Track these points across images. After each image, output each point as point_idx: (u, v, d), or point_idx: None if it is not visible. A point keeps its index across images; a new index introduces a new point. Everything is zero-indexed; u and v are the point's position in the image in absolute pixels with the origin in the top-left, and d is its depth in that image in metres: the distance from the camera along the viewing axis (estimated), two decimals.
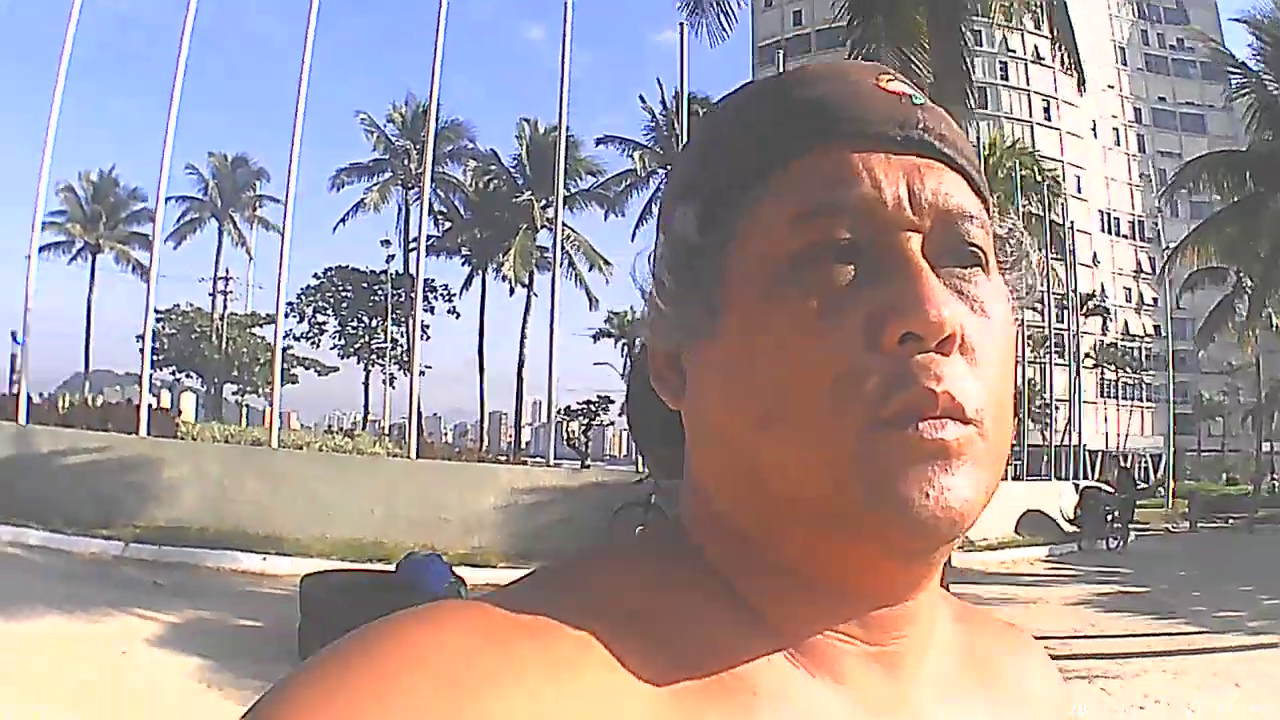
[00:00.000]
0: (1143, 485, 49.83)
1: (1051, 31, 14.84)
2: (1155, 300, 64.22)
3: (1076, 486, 26.66)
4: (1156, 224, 74.72)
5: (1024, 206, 40.70)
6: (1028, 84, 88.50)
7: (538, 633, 0.57)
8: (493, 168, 49.43)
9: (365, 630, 0.56)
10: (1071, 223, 46.10)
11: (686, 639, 0.61)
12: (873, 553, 0.62)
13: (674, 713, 0.57)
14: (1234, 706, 8.65)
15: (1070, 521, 24.84)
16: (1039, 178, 42.44)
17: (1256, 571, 19.30)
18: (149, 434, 17.28)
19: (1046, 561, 21.41)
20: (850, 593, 0.65)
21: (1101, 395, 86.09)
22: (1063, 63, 15.24)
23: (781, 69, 0.76)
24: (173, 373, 56.65)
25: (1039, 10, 14.30)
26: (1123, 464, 29.55)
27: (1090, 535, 23.97)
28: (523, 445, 50.69)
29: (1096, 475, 27.59)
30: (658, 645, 0.59)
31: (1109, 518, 24.41)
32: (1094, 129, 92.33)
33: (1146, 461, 58.76)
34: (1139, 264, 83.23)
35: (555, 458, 19.74)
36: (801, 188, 0.64)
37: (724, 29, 13.77)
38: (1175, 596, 15.91)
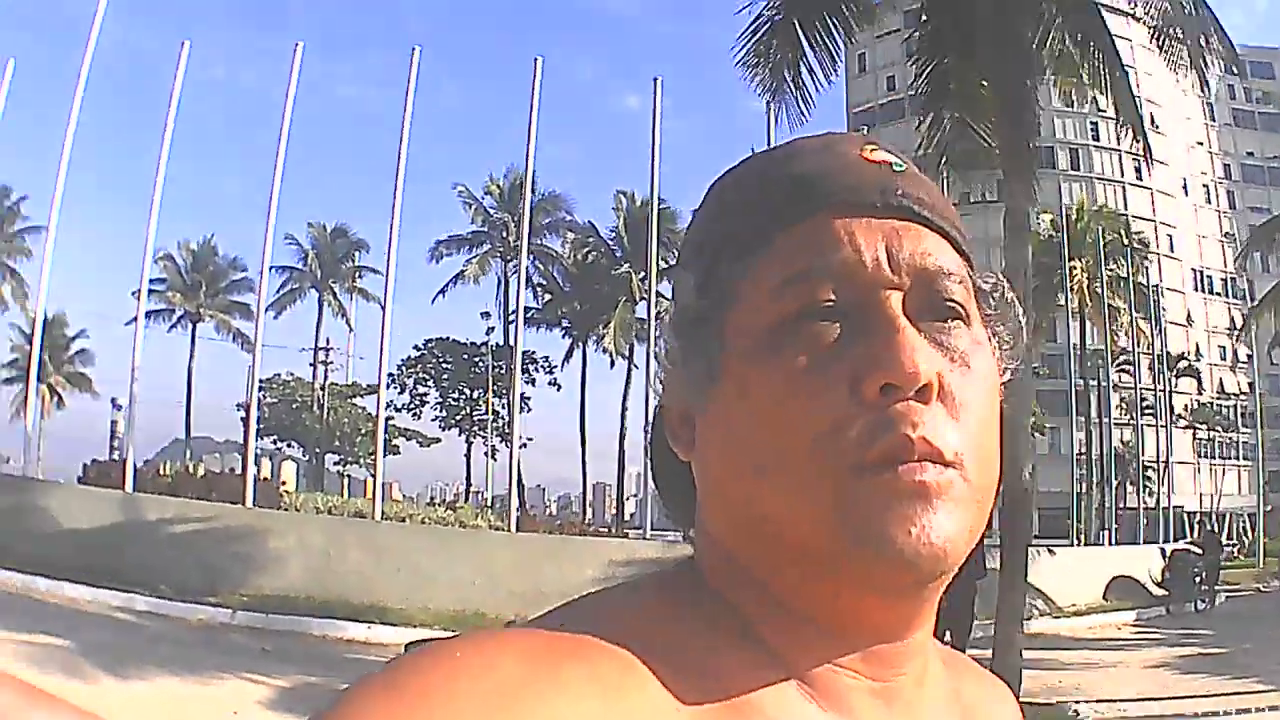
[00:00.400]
0: (1229, 544, 48.82)
1: (1115, 108, 15.17)
2: (1250, 357, 63.02)
3: (1163, 550, 26.47)
4: (1249, 280, 73.48)
5: (1110, 270, 40.84)
6: (1118, 144, 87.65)
7: (583, 656, 0.61)
8: (590, 240, 49.76)
9: (423, 650, 0.61)
10: (1157, 285, 45.65)
11: (710, 671, 0.66)
12: (861, 589, 0.67)
13: None
14: None
15: (1159, 585, 24.72)
16: (1125, 240, 42.33)
17: None
18: (254, 504, 17.69)
19: (1134, 626, 21.41)
20: (850, 630, 0.69)
21: (1198, 455, 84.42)
22: (1133, 134, 15.52)
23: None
24: (274, 441, 56.87)
25: (1104, 84, 14.60)
26: (1209, 525, 29.10)
27: (1178, 599, 23.79)
28: (626, 516, 50.72)
29: (1189, 537, 27.18)
30: (686, 674, 0.64)
31: (1196, 580, 24.26)
32: (1185, 187, 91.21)
33: (1244, 521, 57.46)
34: (1233, 321, 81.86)
35: (654, 528, 19.94)
36: (789, 254, 0.70)
37: (803, 113, 14.27)
38: (1255, 656, 15.80)
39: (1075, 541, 31.99)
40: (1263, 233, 27.27)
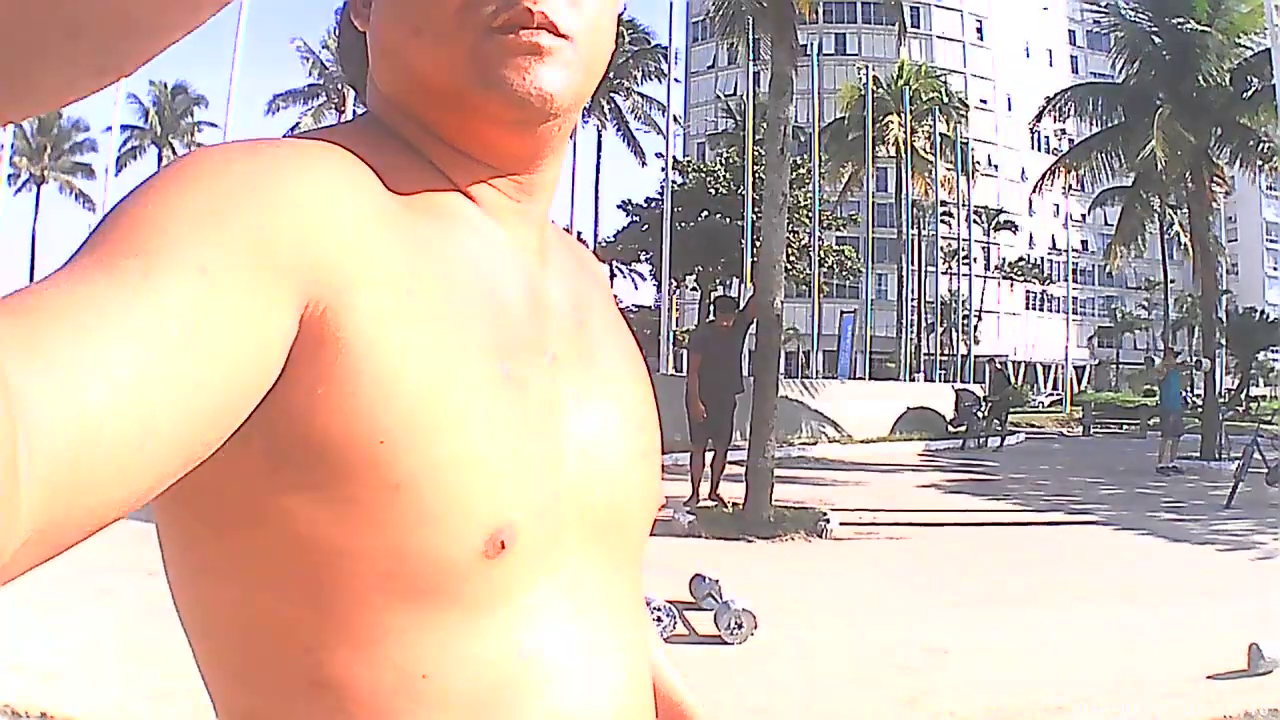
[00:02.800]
0: (1052, 393, 51.36)
1: None
2: (1083, 216, 65.51)
3: (953, 388, 28.08)
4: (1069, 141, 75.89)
5: (927, 127, 42.16)
6: (961, 4, 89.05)
7: (324, 146, 0.79)
8: None
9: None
10: (966, 140, 47.11)
11: (400, 177, 0.82)
12: (490, 123, 0.84)
13: (408, 213, 0.80)
14: (1014, 560, 9.67)
15: (950, 424, 26.24)
16: (945, 98, 43.62)
17: (1113, 467, 20.54)
18: None
19: (922, 456, 22.58)
20: (491, 157, 0.87)
21: (1026, 308, 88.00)
22: None
23: None
24: None
25: None
26: (997, 366, 30.61)
27: (969, 435, 25.18)
28: None
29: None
30: (386, 176, 0.81)
31: (978, 416, 25.73)
32: (1027, 50, 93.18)
33: (1071, 372, 60.69)
34: (1067, 182, 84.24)
35: None
36: None
37: None
38: (1021, 485, 16.88)
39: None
40: (1072, 94, 28.41)
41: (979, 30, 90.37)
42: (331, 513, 0.72)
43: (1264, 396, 51.54)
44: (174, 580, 0.82)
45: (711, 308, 14.52)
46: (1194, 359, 27.76)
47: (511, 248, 0.89)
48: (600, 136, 47.37)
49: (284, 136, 0.83)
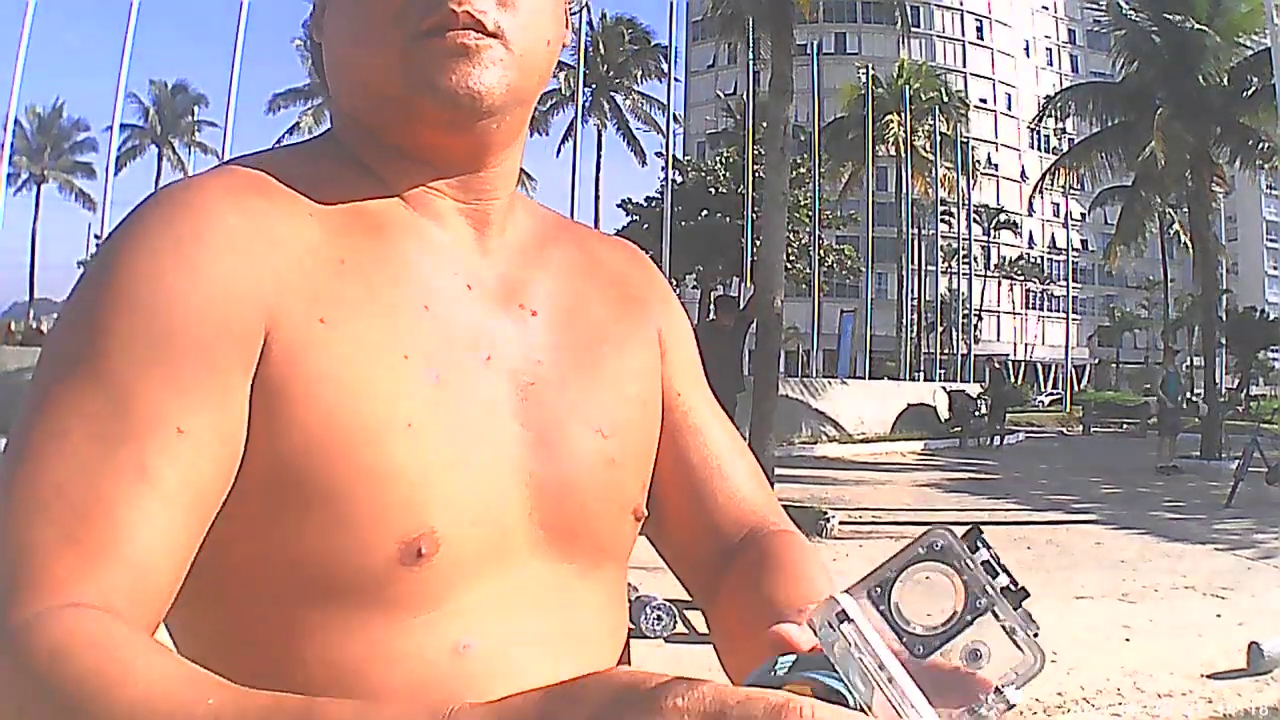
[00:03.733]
0: (1053, 393, 51.28)
1: None
2: (1083, 215, 65.46)
3: (946, 390, 28.04)
4: (1070, 140, 75.90)
5: (928, 126, 42.12)
6: (960, 3, 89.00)
7: (223, 181, 0.83)
8: None
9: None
10: (966, 140, 47.08)
11: (334, 193, 0.86)
12: (426, 125, 0.86)
13: (331, 236, 0.83)
14: (1013, 559, 9.70)
15: (945, 424, 26.15)
16: (945, 98, 43.58)
17: (1113, 466, 20.47)
18: None
19: (920, 454, 22.52)
20: (433, 159, 0.89)
21: (1025, 307, 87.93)
22: None
23: None
24: None
25: None
26: (995, 365, 30.64)
27: (969, 434, 25.17)
28: None
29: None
30: (317, 193, 0.85)
31: (975, 415, 25.69)
32: (1027, 49, 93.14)
33: (1071, 371, 60.64)
34: (1067, 182, 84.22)
35: None
36: None
37: None
38: (1019, 484, 16.86)
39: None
40: (1072, 93, 28.46)
41: (979, 29, 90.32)
42: (256, 523, 0.78)
43: (1264, 395, 51.47)
44: None
45: (712, 307, 14.53)
46: (1181, 365, 27.64)
47: (454, 249, 0.91)
48: (600, 136, 47.42)
49: (244, 157, 0.89)
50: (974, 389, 28.85)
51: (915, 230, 42.83)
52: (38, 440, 0.71)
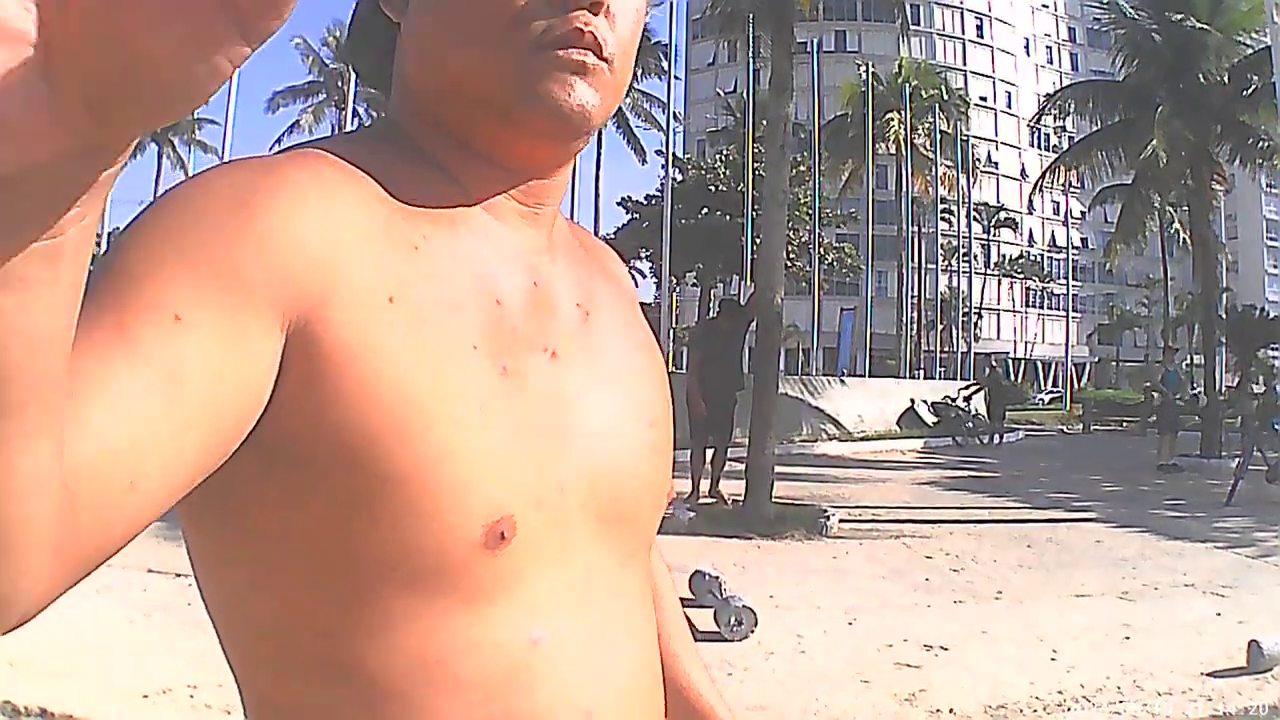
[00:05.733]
0: (1053, 390, 51.26)
1: None
2: (1083, 214, 65.46)
3: (928, 403, 27.66)
4: (1071, 138, 75.90)
5: (928, 124, 42.11)
6: (961, 1, 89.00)
7: (305, 163, 0.81)
8: None
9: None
10: (966, 138, 47.06)
11: (407, 185, 0.86)
12: (527, 133, 0.88)
13: (403, 221, 0.84)
14: (1013, 557, 9.58)
15: (935, 426, 26.07)
16: (945, 95, 43.59)
17: (1113, 464, 20.42)
18: None
19: (920, 452, 22.56)
20: (514, 166, 0.91)
21: (1026, 304, 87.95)
22: None
23: None
24: None
25: None
26: (992, 364, 30.67)
27: (973, 434, 25.24)
28: None
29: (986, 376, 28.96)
30: (389, 185, 0.84)
31: (965, 426, 25.57)
32: (1027, 47, 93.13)
33: (1071, 369, 60.73)
34: (1068, 180, 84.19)
35: None
36: None
37: None
38: (1020, 482, 16.83)
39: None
40: (1072, 92, 28.47)
41: (979, 27, 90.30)
42: (328, 509, 0.76)
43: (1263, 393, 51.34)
44: (199, 574, 0.85)
45: (716, 309, 14.54)
46: (1182, 364, 27.60)
47: (517, 250, 0.92)
48: (600, 134, 47.29)
49: (304, 144, 0.87)
50: (957, 386, 28.91)
51: (915, 228, 42.82)
52: None
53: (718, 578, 6.83)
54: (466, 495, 0.79)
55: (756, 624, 6.18)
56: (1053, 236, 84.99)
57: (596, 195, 45.16)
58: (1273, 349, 38.56)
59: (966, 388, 28.09)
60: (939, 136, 40.50)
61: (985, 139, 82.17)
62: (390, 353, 0.78)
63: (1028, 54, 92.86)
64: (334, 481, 0.76)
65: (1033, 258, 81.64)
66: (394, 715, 0.79)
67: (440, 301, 0.83)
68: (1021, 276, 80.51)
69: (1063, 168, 28.83)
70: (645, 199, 40.46)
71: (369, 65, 1.03)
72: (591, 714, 0.87)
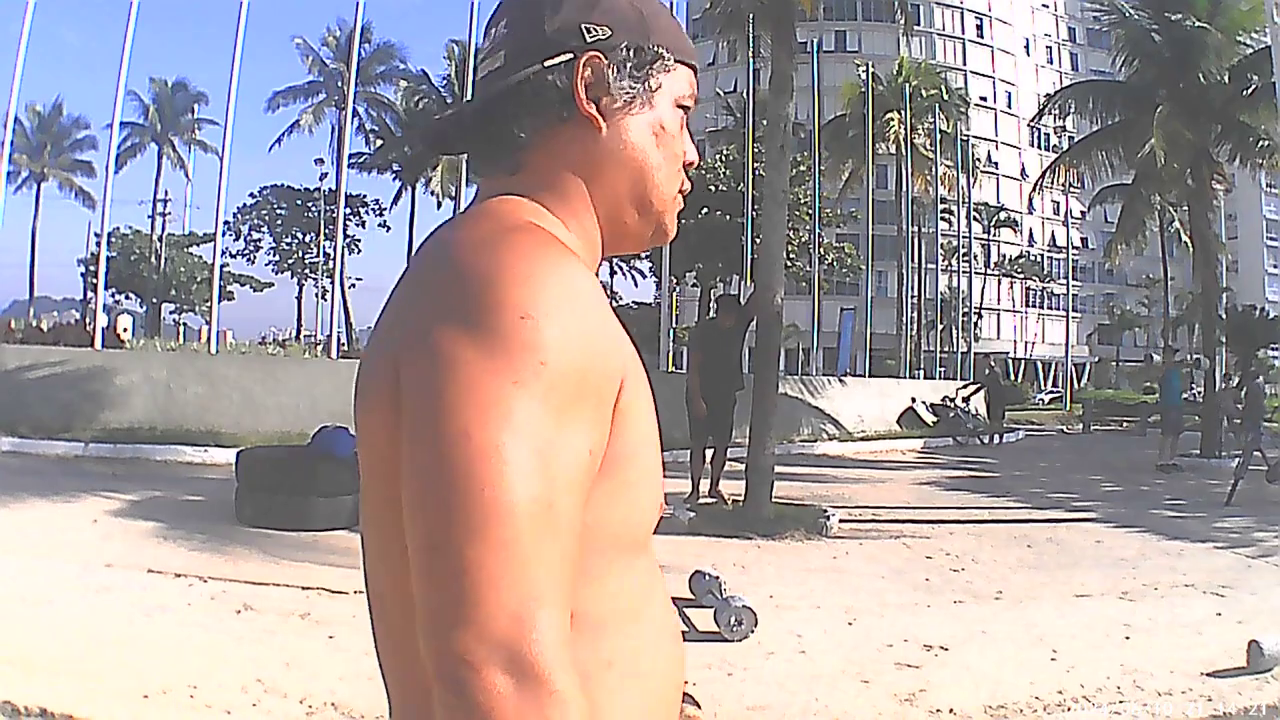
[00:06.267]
0: (1053, 390, 51.22)
1: None
2: (1084, 214, 65.46)
3: (928, 405, 27.71)
4: (1071, 139, 75.90)
5: (929, 124, 42.08)
6: (961, 1, 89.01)
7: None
8: (423, 88, 49.96)
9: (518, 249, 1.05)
10: (966, 137, 47.04)
11: (586, 263, 1.15)
12: (646, 238, 1.27)
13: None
14: (1013, 557, 9.65)
15: (934, 425, 26.12)
16: (945, 95, 43.57)
17: (1113, 464, 20.58)
18: (102, 347, 18.55)
19: (920, 452, 22.62)
20: (607, 253, 1.25)
21: (1026, 304, 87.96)
22: None
23: None
24: (112, 295, 56.58)
25: None
26: (990, 364, 30.69)
27: (974, 434, 25.34)
28: None
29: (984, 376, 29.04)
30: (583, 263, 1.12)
31: (965, 426, 25.65)
32: (1027, 47, 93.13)
33: (1071, 369, 60.83)
34: (1068, 180, 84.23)
35: None
36: (688, 81, 1.25)
37: None
38: (1019, 481, 16.94)
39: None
40: (1072, 91, 28.49)
41: (979, 27, 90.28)
42: (595, 499, 1.02)
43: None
44: None
45: (714, 306, 14.52)
46: (1193, 358, 27.61)
47: None
48: None
49: (522, 222, 1.12)
50: (955, 385, 28.94)
51: (915, 228, 42.80)
52: (516, 458, 0.92)
53: (718, 578, 6.85)
54: (657, 491, 1.14)
55: (756, 624, 6.19)
56: (1053, 236, 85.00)
57: None
58: (1273, 349, 38.63)
59: (964, 387, 28.12)
60: (939, 136, 40.43)
61: (985, 139, 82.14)
62: (635, 408, 1.08)
63: (1028, 54, 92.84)
64: (606, 482, 1.04)
65: (1033, 258, 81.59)
66: (606, 644, 1.07)
67: (637, 361, 1.11)
68: (1021, 276, 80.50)
69: (1063, 167, 28.80)
70: None
71: (473, 144, 1.22)
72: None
